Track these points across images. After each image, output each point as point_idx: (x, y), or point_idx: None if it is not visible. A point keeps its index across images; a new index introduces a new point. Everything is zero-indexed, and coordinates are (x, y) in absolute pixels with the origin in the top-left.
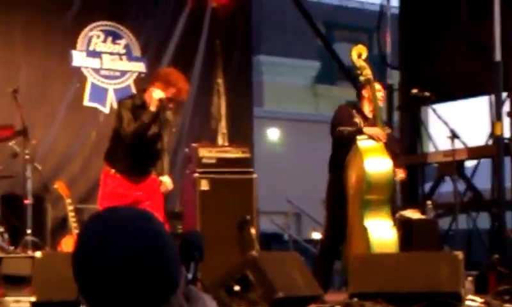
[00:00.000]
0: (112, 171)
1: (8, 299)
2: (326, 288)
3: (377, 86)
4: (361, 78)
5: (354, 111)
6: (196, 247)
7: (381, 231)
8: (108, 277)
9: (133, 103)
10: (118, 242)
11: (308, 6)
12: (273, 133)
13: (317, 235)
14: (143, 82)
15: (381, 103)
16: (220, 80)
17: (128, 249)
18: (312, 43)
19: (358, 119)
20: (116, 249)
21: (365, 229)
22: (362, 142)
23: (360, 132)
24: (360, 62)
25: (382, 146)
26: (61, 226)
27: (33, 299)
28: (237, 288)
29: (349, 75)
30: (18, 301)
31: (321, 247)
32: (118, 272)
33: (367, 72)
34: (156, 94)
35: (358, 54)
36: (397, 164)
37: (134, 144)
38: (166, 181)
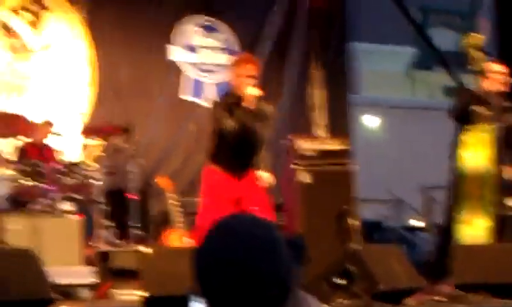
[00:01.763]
0: (214, 168)
1: (116, 291)
2: (443, 275)
3: (497, 67)
4: (473, 67)
5: (475, 98)
6: (299, 250)
7: (472, 229)
8: (228, 281)
9: (227, 102)
10: (240, 247)
11: None
12: (370, 121)
13: (416, 223)
14: None
15: (504, 87)
16: (316, 70)
17: (249, 255)
18: (407, 28)
19: (475, 108)
20: (238, 254)
21: (459, 223)
22: (467, 133)
23: (471, 96)
24: (475, 53)
25: (487, 139)
26: (164, 220)
27: (144, 293)
28: (339, 281)
29: (444, 61)
30: (126, 294)
31: (440, 234)
32: (237, 276)
33: (481, 64)
34: (251, 91)
35: (472, 44)
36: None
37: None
38: (264, 175)
